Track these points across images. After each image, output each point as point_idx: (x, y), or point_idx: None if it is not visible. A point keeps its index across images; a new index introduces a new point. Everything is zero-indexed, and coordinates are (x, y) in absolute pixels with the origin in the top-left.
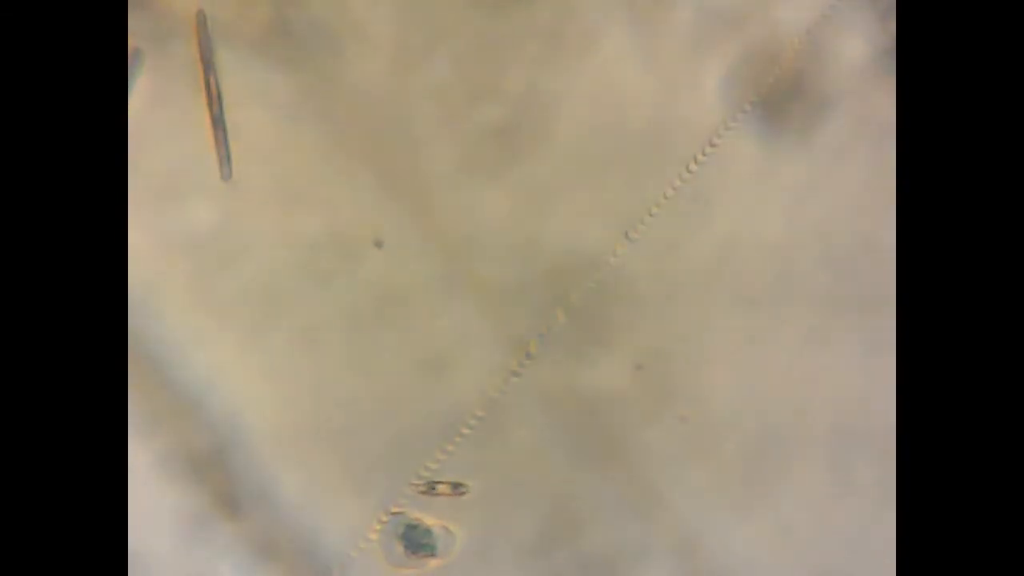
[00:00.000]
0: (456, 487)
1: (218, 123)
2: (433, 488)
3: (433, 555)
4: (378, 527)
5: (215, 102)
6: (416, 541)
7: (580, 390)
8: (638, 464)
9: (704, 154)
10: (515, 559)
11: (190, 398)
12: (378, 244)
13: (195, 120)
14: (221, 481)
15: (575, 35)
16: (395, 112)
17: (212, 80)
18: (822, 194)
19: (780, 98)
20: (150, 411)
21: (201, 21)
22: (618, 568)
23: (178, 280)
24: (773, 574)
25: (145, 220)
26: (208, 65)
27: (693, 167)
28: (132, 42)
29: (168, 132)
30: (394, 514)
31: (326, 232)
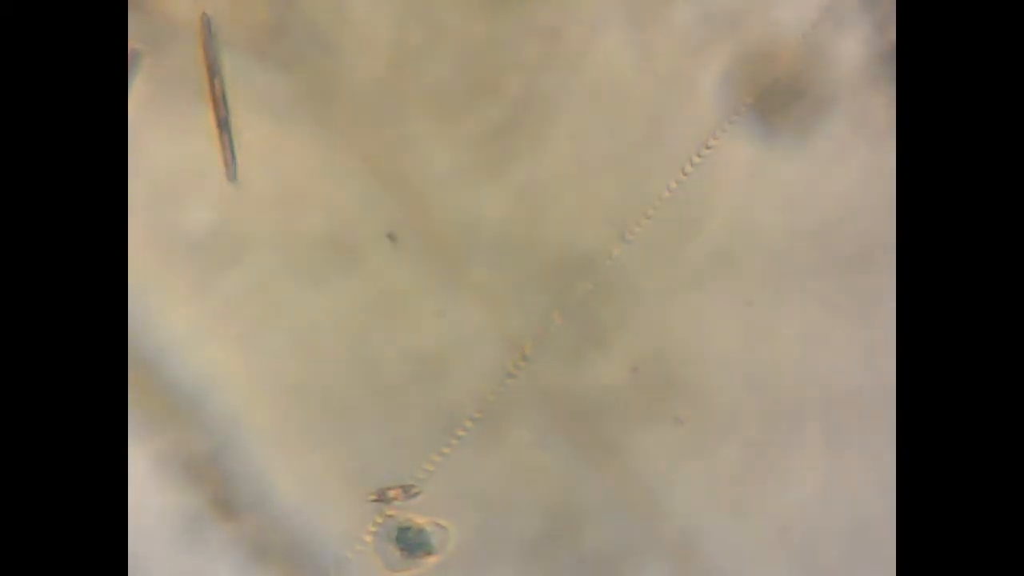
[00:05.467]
0: (407, 489)
1: (224, 125)
2: (385, 495)
3: (431, 553)
4: (373, 528)
5: (220, 105)
6: (411, 542)
7: (576, 391)
8: (634, 465)
9: (700, 156)
10: (510, 559)
11: (188, 399)
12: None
13: (195, 121)
14: (218, 483)
15: (572, 36)
16: (393, 113)
17: (217, 83)
18: (819, 195)
19: (777, 99)
20: (148, 412)
21: (205, 24)
22: (614, 569)
23: (176, 281)
24: (770, 574)
25: (143, 221)
26: (214, 68)
27: (689, 169)
28: (130, 43)
29: (167, 133)
30: (388, 517)
31: (324, 233)
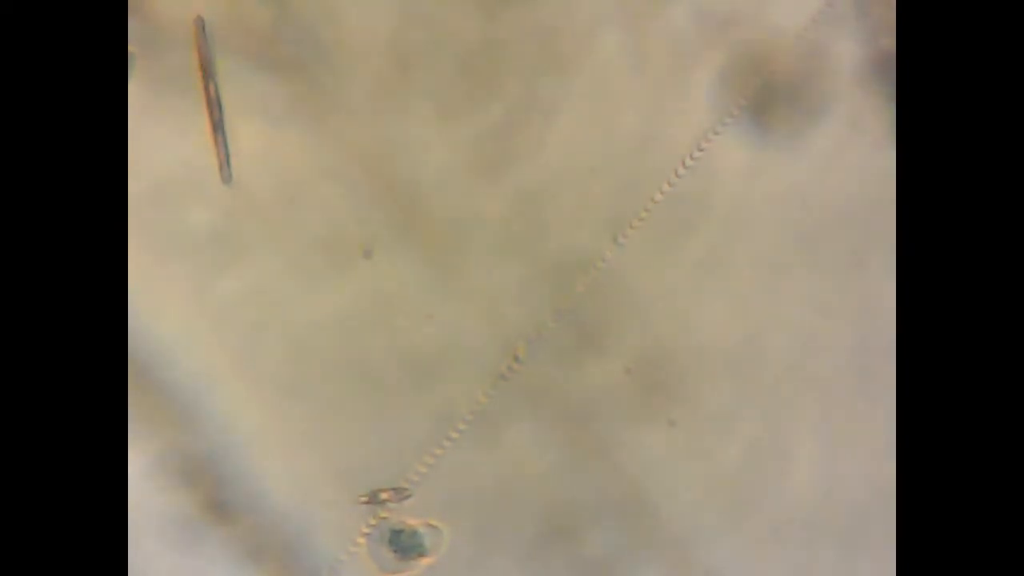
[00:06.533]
0: (398, 491)
1: (219, 128)
2: (376, 497)
3: (424, 555)
4: (367, 530)
5: (215, 107)
6: (404, 544)
7: (569, 394)
8: (628, 468)
9: (694, 157)
10: (504, 561)
11: (183, 401)
12: (367, 254)
13: (190, 123)
14: (213, 484)
15: (568, 37)
16: (387, 114)
17: (212, 85)
18: (813, 197)
19: (771, 101)
20: (143, 415)
21: (200, 26)
22: (609, 570)
23: (172, 283)
24: None
25: (139, 222)
26: (208, 71)
27: (683, 170)
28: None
29: (163, 135)
30: (381, 519)
31: (321, 236)
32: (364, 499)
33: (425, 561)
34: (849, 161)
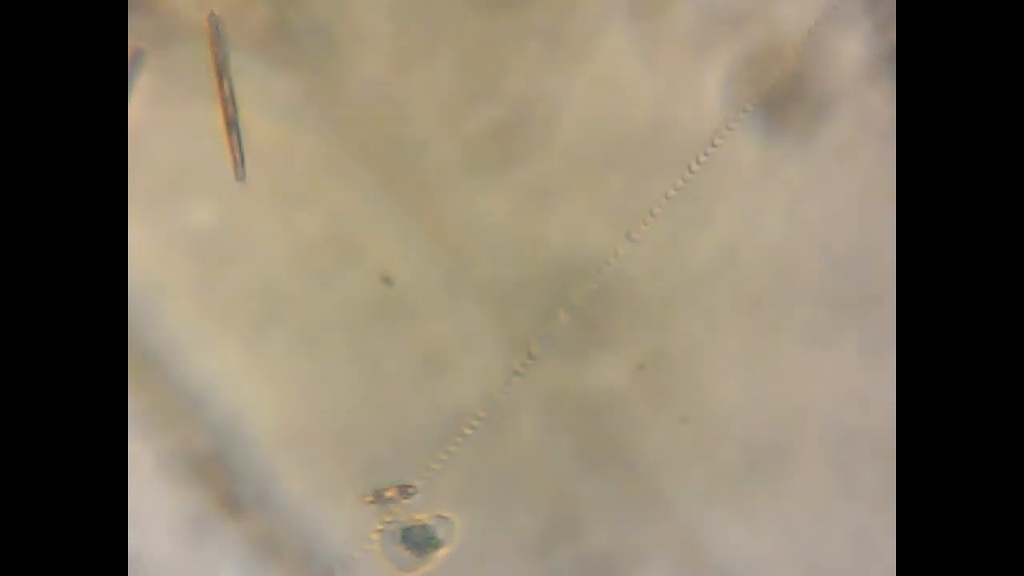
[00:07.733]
0: (403, 488)
1: (232, 125)
2: (381, 495)
3: (439, 547)
4: (380, 526)
5: (229, 104)
6: (417, 539)
7: (581, 390)
8: (639, 464)
9: (706, 155)
10: (515, 557)
11: (192, 398)
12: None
13: (202, 120)
14: (222, 482)
15: (575, 35)
16: (398, 112)
17: (226, 82)
18: (823, 195)
19: (782, 99)
20: (151, 411)
21: (213, 23)
22: (618, 568)
23: (180, 280)
24: (774, 574)
25: (146, 220)
26: (222, 67)
27: (695, 167)
28: (134, 42)
29: (174, 132)
30: (392, 518)
31: (327, 233)
32: (369, 499)
33: (441, 553)
34: (862, 157)
